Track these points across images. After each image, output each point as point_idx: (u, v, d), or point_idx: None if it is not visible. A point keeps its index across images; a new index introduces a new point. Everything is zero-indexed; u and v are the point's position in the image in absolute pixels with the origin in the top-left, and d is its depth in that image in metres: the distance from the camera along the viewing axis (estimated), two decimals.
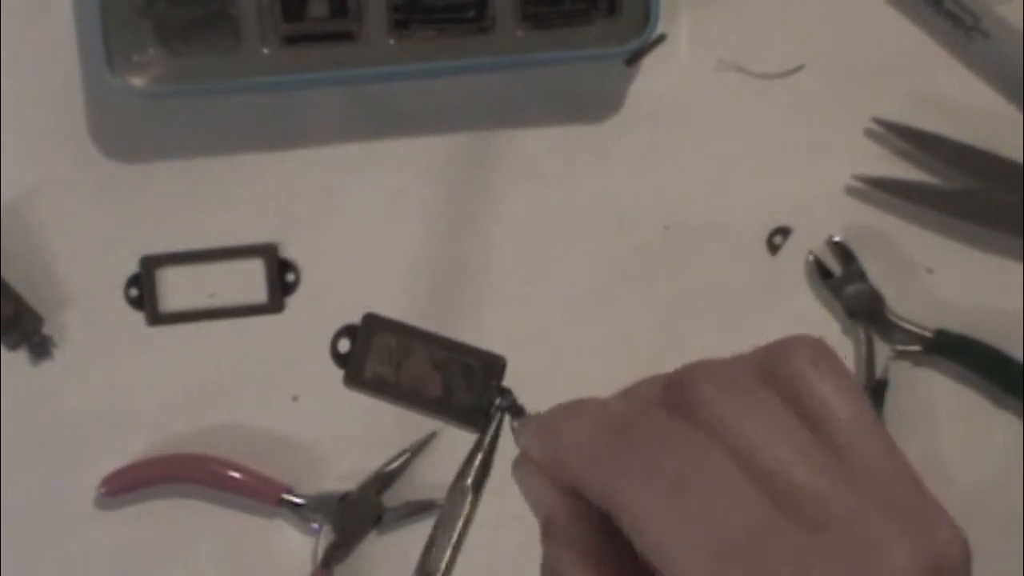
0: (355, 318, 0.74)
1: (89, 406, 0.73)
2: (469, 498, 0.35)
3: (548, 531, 0.32)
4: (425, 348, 0.37)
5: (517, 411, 0.36)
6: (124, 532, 0.73)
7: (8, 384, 0.72)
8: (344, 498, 0.72)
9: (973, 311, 0.75)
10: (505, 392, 0.36)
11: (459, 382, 0.37)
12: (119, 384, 0.73)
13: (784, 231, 0.75)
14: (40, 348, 0.72)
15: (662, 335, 0.75)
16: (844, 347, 0.75)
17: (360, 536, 0.73)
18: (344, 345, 0.35)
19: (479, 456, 0.36)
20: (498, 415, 0.36)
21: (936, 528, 0.29)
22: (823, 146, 0.75)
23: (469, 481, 0.35)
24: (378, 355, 0.38)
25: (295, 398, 0.74)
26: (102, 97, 0.72)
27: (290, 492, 0.72)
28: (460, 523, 0.35)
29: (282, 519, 0.74)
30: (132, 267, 0.73)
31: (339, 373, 0.73)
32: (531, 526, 0.35)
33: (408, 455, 0.73)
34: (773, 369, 0.31)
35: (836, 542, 0.27)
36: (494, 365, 0.37)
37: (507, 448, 0.36)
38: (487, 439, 0.36)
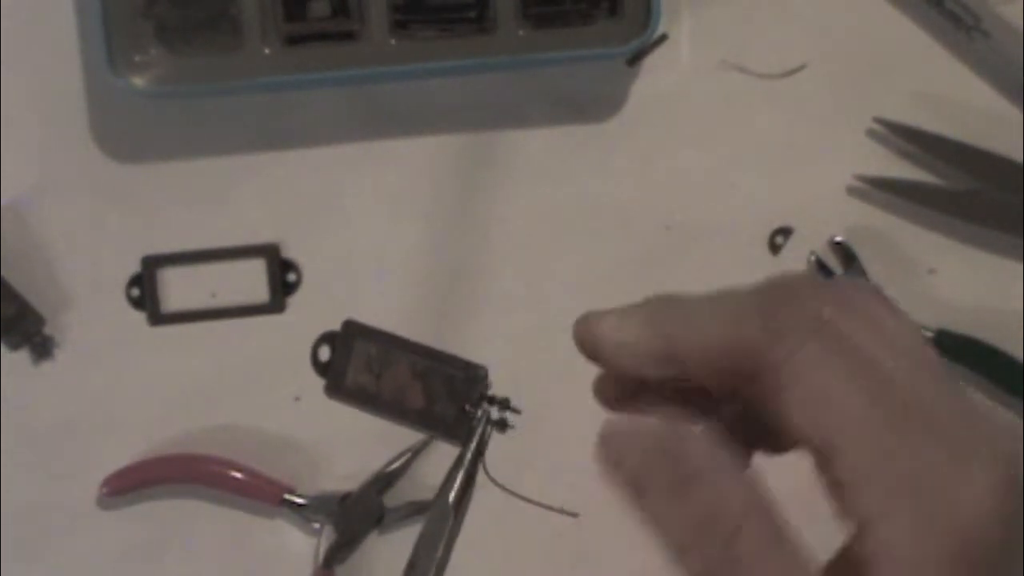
0: (355, 318, 0.74)
1: (91, 406, 0.73)
2: (451, 517, 0.34)
3: None
4: (406, 357, 0.37)
5: (502, 424, 0.35)
6: (126, 532, 0.73)
7: (9, 384, 0.72)
8: (345, 498, 0.73)
9: (974, 311, 0.75)
10: (489, 401, 0.35)
11: (441, 392, 0.36)
12: (121, 384, 0.73)
13: (786, 231, 0.75)
14: (41, 348, 0.72)
15: None
16: None
17: (361, 536, 0.73)
18: (325, 353, 0.34)
19: (461, 472, 0.35)
20: (480, 428, 0.35)
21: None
22: (825, 146, 0.75)
23: (451, 499, 0.34)
24: (359, 364, 0.37)
25: (297, 398, 0.74)
26: (103, 97, 0.72)
27: (291, 492, 0.72)
28: (442, 544, 0.34)
29: (283, 519, 0.74)
30: (133, 267, 0.73)
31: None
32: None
33: (409, 455, 0.73)
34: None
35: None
36: (476, 375, 0.36)
37: (492, 464, 0.35)
38: (469, 453, 0.35)
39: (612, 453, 0.31)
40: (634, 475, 0.30)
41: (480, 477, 0.36)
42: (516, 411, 0.35)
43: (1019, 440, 0.28)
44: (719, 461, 0.30)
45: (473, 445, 0.35)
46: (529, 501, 0.36)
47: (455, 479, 0.35)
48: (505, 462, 0.36)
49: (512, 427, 0.35)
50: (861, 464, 0.28)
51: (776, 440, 0.32)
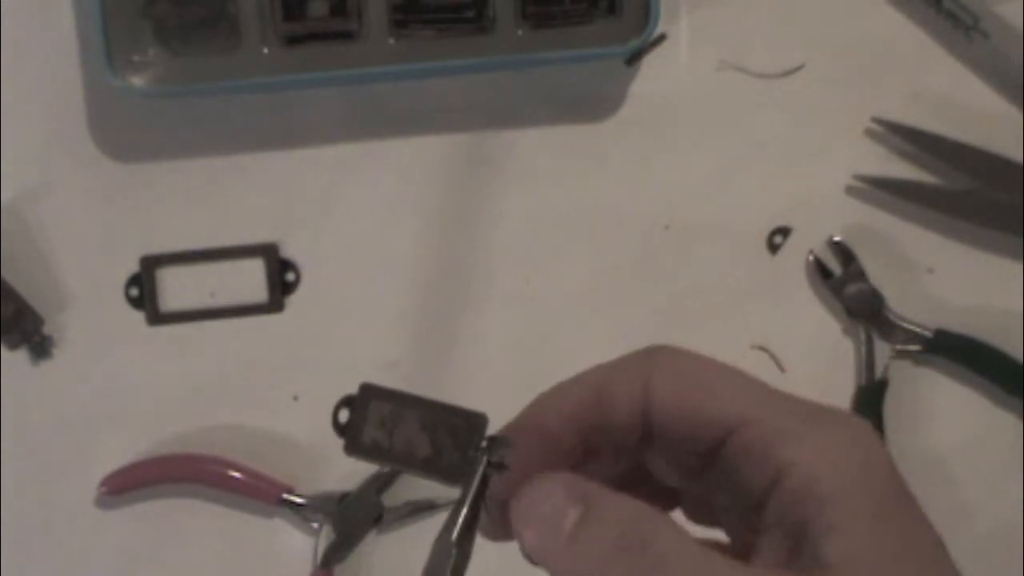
0: (354, 318, 0.74)
1: (89, 406, 0.73)
2: (455, 554, 0.35)
3: None
4: (415, 412, 0.38)
5: (500, 467, 0.36)
6: (125, 532, 0.73)
7: (8, 384, 0.72)
8: (344, 498, 0.73)
9: (973, 311, 0.75)
10: (487, 449, 0.36)
11: (446, 441, 0.37)
12: (119, 384, 0.73)
13: (784, 231, 0.75)
14: (40, 348, 0.72)
15: (663, 335, 0.74)
16: (844, 347, 0.75)
17: (360, 536, 0.73)
18: (344, 415, 0.36)
19: (463, 512, 0.36)
20: (479, 474, 0.36)
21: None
22: (823, 146, 0.75)
23: (454, 536, 0.35)
24: (374, 422, 0.38)
25: (295, 398, 0.74)
26: (102, 97, 0.72)
27: (290, 492, 0.72)
28: None
29: (282, 519, 0.74)
30: (132, 267, 0.73)
31: (340, 374, 0.73)
32: None
33: None
34: None
35: None
36: (476, 423, 0.37)
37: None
38: (470, 495, 0.36)
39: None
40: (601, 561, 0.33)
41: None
42: (503, 466, 0.36)
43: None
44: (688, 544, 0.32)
45: (474, 486, 0.36)
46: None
47: (458, 517, 0.36)
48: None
49: (508, 469, 0.36)
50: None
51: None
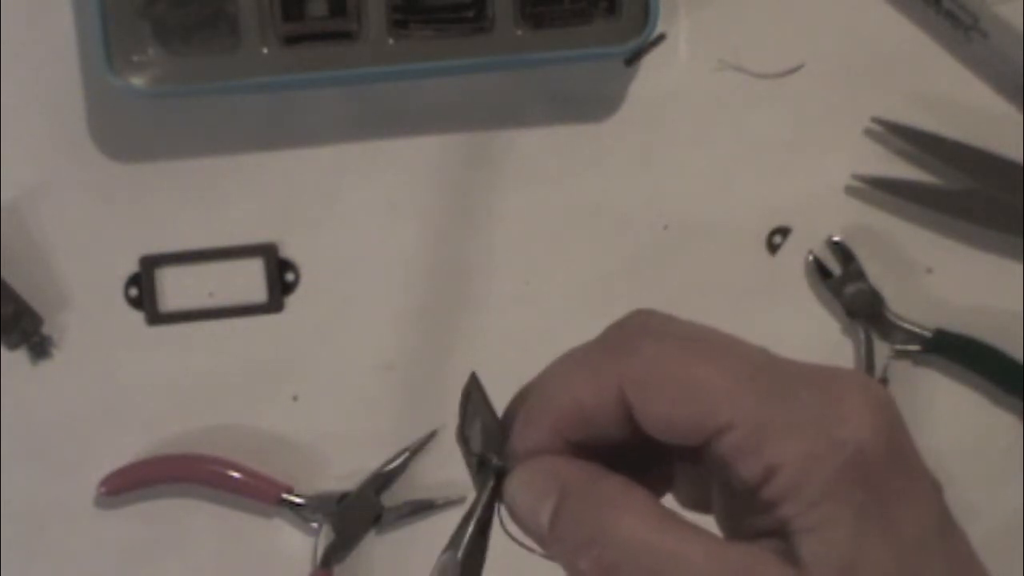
0: (354, 318, 0.74)
1: (89, 406, 0.73)
2: (459, 572, 0.34)
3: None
4: (481, 408, 0.38)
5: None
6: (124, 531, 0.73)
7: (8, 384, 0.72)
8: (343, 498, 0.73)
9: (972, 311, 0.75)
10: (496, 468, 0.36)
11: (479, 442, 0.37)
12: (119, 384, 0.73)
13: (784, 231, 0.75)
14: (40, 348, 0.72)
15: None
16: (844, 347, 0.75)
17: (359, 536, 0.73)
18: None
19: (470, 526, 0.35)
20: (487, 489, 0.35)
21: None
22: (822, 146, 0.75)
23: (460, 555, 0.34)
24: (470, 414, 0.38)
25: (295, 398, 0.74)
26: (102, 97, 0.72)
27: (290, 492, 0.72)
28: None
29: (282, 519, 0.74)
30: (132, 267, 0.73)
31: (339, 374, 0.73)
32: None
33: (407, 455, 0.73)
34: None
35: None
36: (496, 435, 0.36)
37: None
38: (478, 508, 0.35)
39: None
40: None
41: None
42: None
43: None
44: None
45: (484, 499, 0.35)
46: (535, 552, 0.36)
47: (465, 533, 0.35)
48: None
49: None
50: (749, 429, 0.32)
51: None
